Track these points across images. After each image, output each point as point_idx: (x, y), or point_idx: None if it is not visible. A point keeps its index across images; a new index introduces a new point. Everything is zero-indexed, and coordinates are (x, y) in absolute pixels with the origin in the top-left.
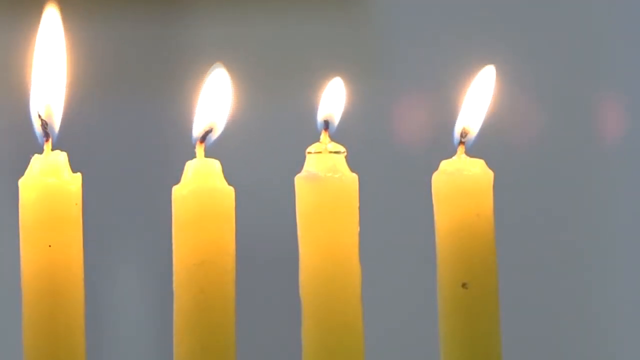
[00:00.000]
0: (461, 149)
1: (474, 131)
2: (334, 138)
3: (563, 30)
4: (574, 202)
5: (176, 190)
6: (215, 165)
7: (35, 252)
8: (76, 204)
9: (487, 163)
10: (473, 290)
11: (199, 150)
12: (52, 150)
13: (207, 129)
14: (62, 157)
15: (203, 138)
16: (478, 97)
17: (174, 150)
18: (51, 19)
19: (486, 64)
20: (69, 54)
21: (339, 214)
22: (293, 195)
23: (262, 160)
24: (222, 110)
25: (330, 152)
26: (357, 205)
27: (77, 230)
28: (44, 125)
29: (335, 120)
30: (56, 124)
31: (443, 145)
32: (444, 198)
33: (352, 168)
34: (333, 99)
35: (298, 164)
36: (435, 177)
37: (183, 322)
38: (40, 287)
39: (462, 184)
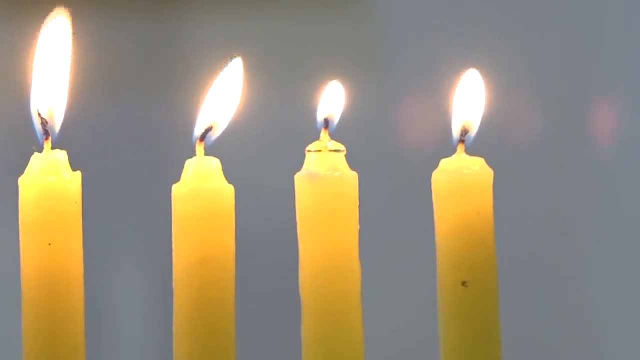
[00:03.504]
0: (461, 148)
1: (473, 126)
2: (334, 137)
3: (562, 30)
4: (574, 200)
5: (176, 189)
6: (215, 163)
7: (35, 251)
8: (76, 203)
9: (487, 161)
10: (473, 289)
11: (199, 148)
12: (52, 149)
13: (207, 127)
14: (62, 155)
15: (203, 137)
16: (469, 97)
17: (174, 148)
18: (54, 17)
19: (485, 64)
20: (71, 53)
21: (339, 213)
22: (293, 194)
23: (262, 158)
24: (227, 109)
25: (331, 150)
26: (357, 204)
27: (77, 229)
28: (44, 123)
29: (335, 119)
30: (57, 123)
31: (443, 143)
32: (444, 196)
33: (352, 167)
34: (333, 98)
35: (298, 163)
36: (435, 175)
37: (183, 321)
38: (40, 286)
39: (462, 182)
